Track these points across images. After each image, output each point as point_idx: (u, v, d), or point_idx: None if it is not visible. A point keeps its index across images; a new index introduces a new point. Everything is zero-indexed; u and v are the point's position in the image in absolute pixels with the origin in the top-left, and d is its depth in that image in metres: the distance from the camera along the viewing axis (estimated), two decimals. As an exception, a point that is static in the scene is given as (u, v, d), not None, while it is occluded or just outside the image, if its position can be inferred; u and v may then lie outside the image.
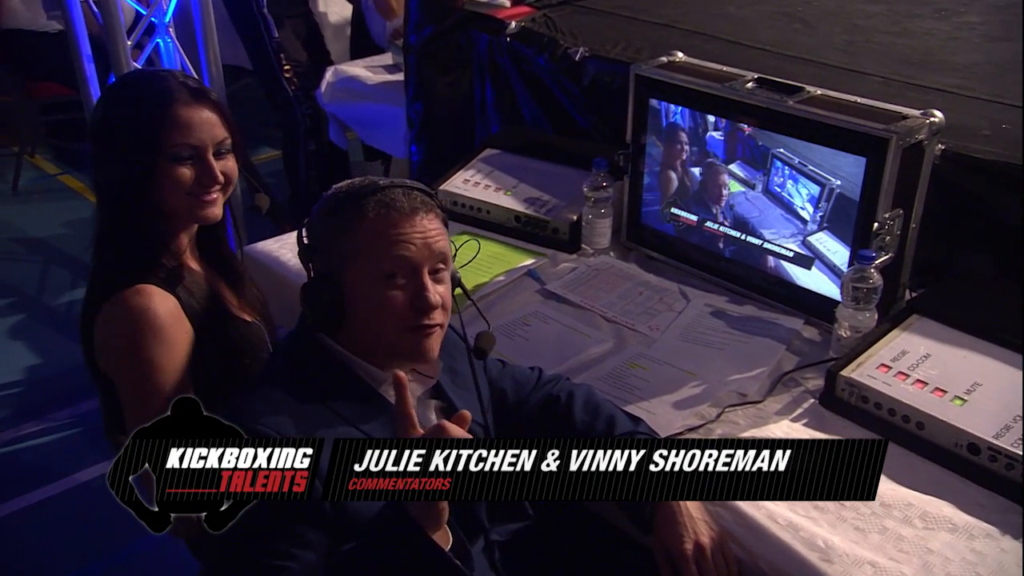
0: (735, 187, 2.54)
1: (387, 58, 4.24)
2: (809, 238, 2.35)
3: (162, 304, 1.90)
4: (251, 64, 4.56)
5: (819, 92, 2.34)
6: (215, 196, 1.93)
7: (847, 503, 1.84)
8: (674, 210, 2.63)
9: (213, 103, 1.96)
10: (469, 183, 2.89)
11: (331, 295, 1.82)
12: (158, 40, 3.30)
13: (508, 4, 3.69)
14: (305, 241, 1.83)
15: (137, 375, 1.91)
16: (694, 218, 2.60)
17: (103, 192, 2.06)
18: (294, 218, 4.36)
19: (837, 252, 2.31)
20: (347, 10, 5.07)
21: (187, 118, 1.88)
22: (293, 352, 1.86)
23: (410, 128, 3.70)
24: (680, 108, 2.55)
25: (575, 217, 2.71)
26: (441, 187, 2.97)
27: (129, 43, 3.22)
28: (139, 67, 3.34)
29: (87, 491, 3.22)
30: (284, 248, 2.80)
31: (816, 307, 2.31)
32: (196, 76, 3.51)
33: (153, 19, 3.29)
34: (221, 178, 1.91)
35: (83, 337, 2.01)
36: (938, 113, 2.22)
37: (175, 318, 1.91)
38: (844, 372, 2.02)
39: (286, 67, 4.50)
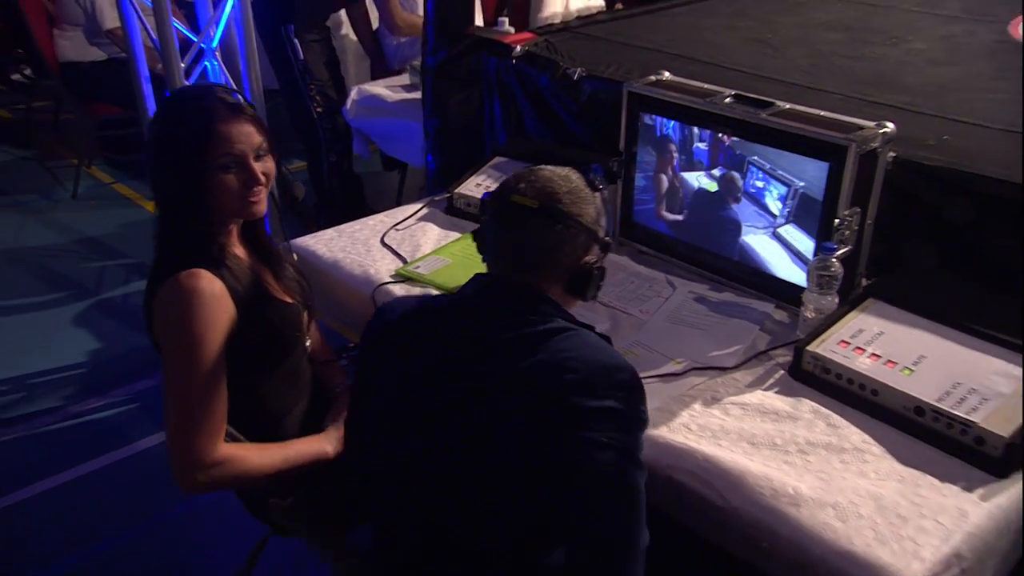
0: (713, 188, 2.56)
1: (404, 79, 4.23)
2: (778, 229, 2.39)
3: (209, 285, 1.94)
4: (278, 84, 4.58)
5: (788, 106, 2.37)
6: (260, 195, 2.00)
7: (812, 457, 1.87)
8: (664, 212, 2.64)
9: (248, 114, 2.02)
10: (481, 187, 2.93)
11: None
12: (206, 63, 3.30)
13: (513, 31, 3.69)
14: None
15: (181, 345, 1.94)
16: (680, 217, 2.63)
17: (160, 197, 2.10)
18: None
19: (802, 242, 2.36)
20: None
21: (227, 132, 1.94)
22: None
23: (427, 139, 3.71)
24: (671, 121, 2.57)
25: None
26: (456, 190, 3.00)
27: (183, 66, 3.25)
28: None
29: (144, 458, 3.26)
30: (319, 244, 2.85)
31: (785, 293, 2.35)
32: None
33: (202, 45, 3.30)
34: (262, 179, 1.98)
35: (147, 318, 2.05)
36: (890, 125, 2.28)
37: (220, 298, 1.95)
38: (809, 348, 2.07)
39: (310, 86, 4.48)
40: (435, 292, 2.60)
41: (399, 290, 2.69)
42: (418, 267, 2.69)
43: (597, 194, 1.77)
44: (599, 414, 1.54)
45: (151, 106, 3.44)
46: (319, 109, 4.56)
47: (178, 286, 1.90)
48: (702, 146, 2.48)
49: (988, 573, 1.74)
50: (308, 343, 2.33)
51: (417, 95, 3.91)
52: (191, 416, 1.92)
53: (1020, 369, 2.00)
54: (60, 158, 5.55)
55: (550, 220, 1.66)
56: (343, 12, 4.86)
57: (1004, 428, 1.77)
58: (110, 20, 4.74)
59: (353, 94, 4.26)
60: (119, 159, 5.42)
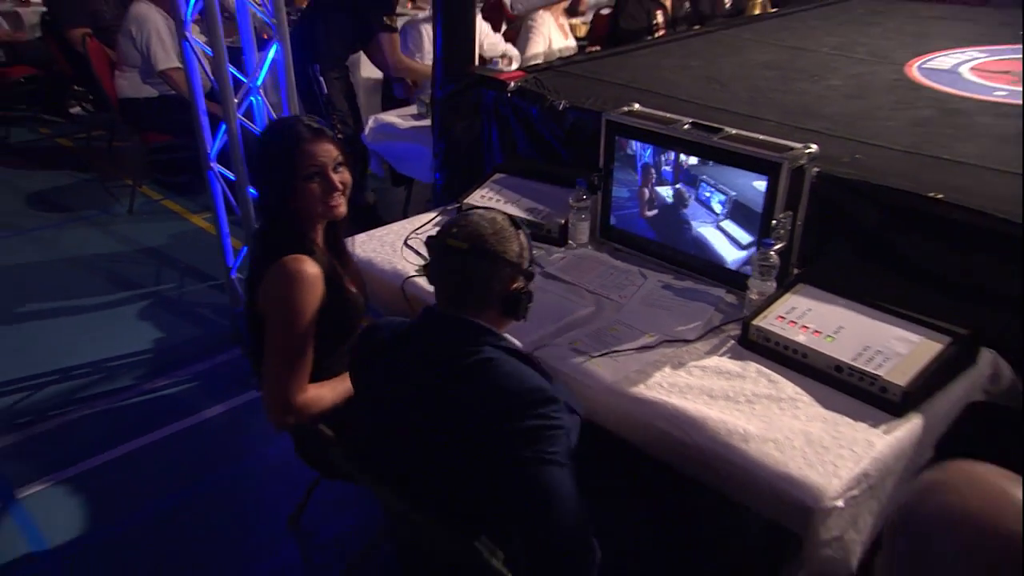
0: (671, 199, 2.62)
1: (412, 109, 4.27)
2: (721, 223, 2.49)
3: (310, 268, 2.05)
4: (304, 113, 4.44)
5: (734, 132, 2.44)
6: (339, 200, 2.11)
7: (757, 406, 1.98)
8: (643, 215, 2.69)
9: (327, 135, 2.14)
10: (485, 199, 2.97)
11: None
12: (251, 99, 3.31)
13: (507, 70, 3.69)
14: None
15: (285, 313, 2.05)
16: (651, 218, 2.67)
17: (263, 202, 2.27)
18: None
19: (736, 231, 2.46)
20: (377, 74, 5.04)
21: (311, 149, 2.06)
22: None
23: (435, 160, 3.71)
24: (649, 148, 2.60)
25: (563, 221, 2.76)
26: (465, 200, 3.02)
27: (235, 101, 3.24)
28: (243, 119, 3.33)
29: (204, 427, 3.30)
30: (353, 245, 2.85)
31: (735, 280, 2.43)
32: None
33: (249, 84, 3.28)
34: (340, 187, 2.09)
35: (249, 296, 2.18)
36: (814, 146, 2.37)
37: (316, 280, 2.05)
38: (754, 322, 2.17)
39: (333, 116, 4.47)
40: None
41: (423, 282, 2.67)
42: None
43: (519, 231, 1.77)
44: (521, 435, 1.58)
45: (207, 135, 3.43)
46: (340, 135, 4.50)
47: (286, 267, 2.02)
48: (667, 168, 2.55)
49: (888, 488, 1.85)
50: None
51: (424, 123, 3.95)
52: (287, 369, 2.04)
53: (914, 335, 2.07)
54: (115, 179, 5.47)
55: (479, 259, 1.68)
56: (359, 54, 4.80)
57: (901, 379, 1.90)
58: (162, 63, 4.73)
59: (370, 122, 4.28)
60: (166, 180, 5.37)
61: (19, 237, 4.72)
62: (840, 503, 1.68)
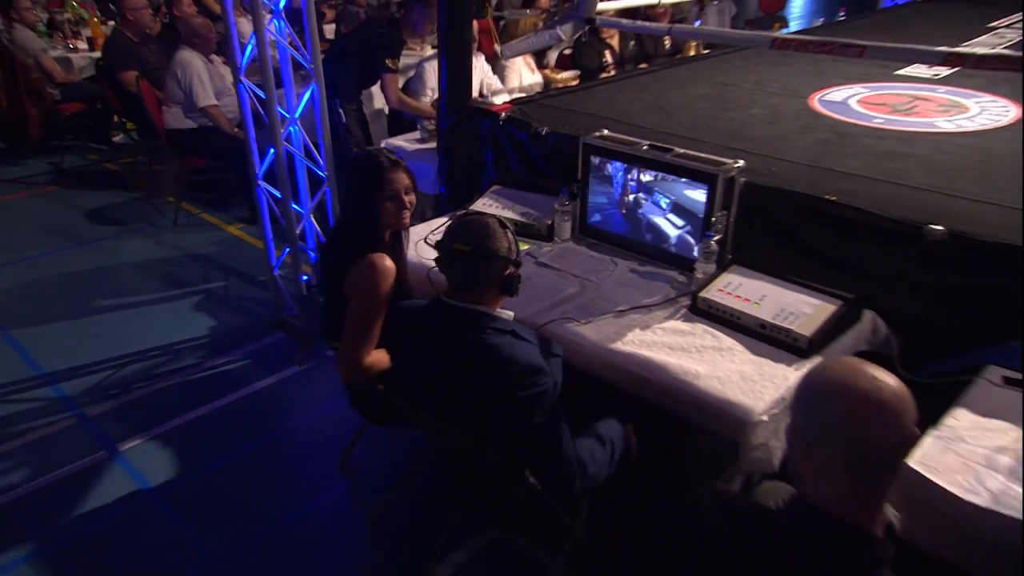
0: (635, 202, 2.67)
1: (416, 135, 4.20)
2: (667, 215, 2.56)
3: (389, 263, 2.19)
4: None
5: (681, 151, 2.54)
6: (407, 215, 2.25)
7: (704, 354, 2.10)
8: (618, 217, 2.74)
9: (402, 166, 2.26)
10: (486, 206, 3.01)
11: None
12: (291, 128, 3.34)
13: (498, 103, 3.66)
14: None
15: (368, 296, 2.18)
16: (621, 219, 2.73)
17: (351, 216, 2.35)
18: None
19: (677, 221, 2.54)
20: (382, 102, 4.88)
21: (390, 177, 2.20)
22: None
23: (439, 176, 3.64)
24: (622, 166, 2.65)
25: (550, 221, 2.80)
26: (470, 208, 3.02)
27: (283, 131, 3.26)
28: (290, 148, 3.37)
29: (258, 395, 3.34)
30: None
31: (684, 264, 2.52)
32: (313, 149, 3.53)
33: (288, 116, 3.32)
34: (409, 206, 2.23)
35: (328, 281, 2.32)
36: (741, 162, 2.48)
37: (392, 272, 2.19)
38: (700, 294, 2.29)
39: (350, 141, 4.42)
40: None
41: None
42: None
43: (506, 230, 1.84)
44: (528, 402, 1.71)
45: (256, 159, 3.45)
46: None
47: (372, 262, 2.16)
48: (632, 182, 2.63)
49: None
50: None
51: (427, 145, 3.96)
52: (363, 337, 2.17)
53: (816, 300, 2.21)
54: (158, 197, 5.41)
55: (480, 258, 1.78)
56: (371, 89, 4.76)
57: (807, 331, 2.06)
58: (202, 100, 4.70)
59: (382, 145, 4.18)
60: (203, 196, 5.37)
61: (84, 247, 4.73)
62: (765, 418, 1.85)
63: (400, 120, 4.74)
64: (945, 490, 1.58)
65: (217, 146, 4.77)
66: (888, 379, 1.11)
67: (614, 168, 2.66)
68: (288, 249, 3.61)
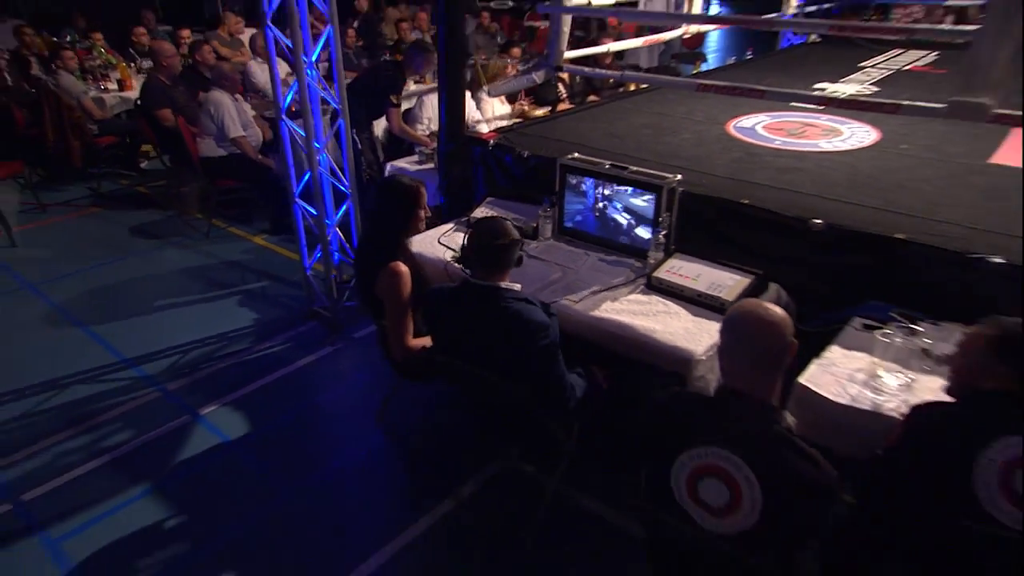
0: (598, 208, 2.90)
1: (415, 157, 4.42)
2: (623, 213, 2.80)
3: (405, 269, 2.42)
4: None
5: (635, 168, 2.79)
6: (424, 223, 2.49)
7: (659, 317, 2.39)
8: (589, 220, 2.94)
9: (422, 183, 2.46)
10: (483, 213, 3.21)
11: None
12: (321, 156, 3.53)
13: (484, 132, 3.93)
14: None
15: (395, 296, 2.42)
16: (591, 223, 2.95)
17: (385, 227, 2.51)
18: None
19: (633, 221, 2.77)
20: (378, 131, 5.03)
21: (423, 193, 2.46)
22: None
23: (439, 190, 3.84)
24: (591, 180, 2.87)
25: (535, 224, 3.04)
26: (471, 215, 3.22)
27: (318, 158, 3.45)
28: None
29: (301, 371, 3.50)
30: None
31: (641, 254, 2.76)
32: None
33: (318, 146, 3.52)
34: (429, 214, 2.49)
35: (366, 281, 2.51)
36: (679, 176, 2.73)
37: (408, 276, 2.44)
38: (654, 275, 2.59)
39: (363, 164, 4.59)
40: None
41: (458, 266, 2.55)
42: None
43: (513, 226, 2.15)
44: (541, 352, 2.05)
45: (294, 181, 3.68)
46: (366, 177, 4.64)
47: (392, 270, 2.40)
48: (598, 193, 2.86)
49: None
50: None
51: (425, 166, 4.21)
52: (402, 326, 2.46)
53: (736, 276, 2.52)
54: (188, 214, 5.48)
55: (509, 247, 2.11)
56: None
57: (730, 297, 2.42)
58: (232, 132, 4.86)
59: (388, 167, 4.46)
60: (228, 213, 5.41)
61: (132, 258, 4.85)
62: (703, 358, 2.23)
63: (398, 144, 4.97)
64: (823, 397, 2.06)
65: (245, 170, 5.00)
66: (776, 309, 1.58)
67: (586, 183, 2.93)
68: (320, 254, 3.88)
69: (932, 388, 2.01)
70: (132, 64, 6.85)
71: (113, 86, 6.35)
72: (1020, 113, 2.43)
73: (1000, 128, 3.36)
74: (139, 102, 5.47)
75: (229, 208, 5.50)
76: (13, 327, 3.96)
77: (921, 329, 2.22)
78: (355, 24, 8.42)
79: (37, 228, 5.37)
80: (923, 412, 1.64)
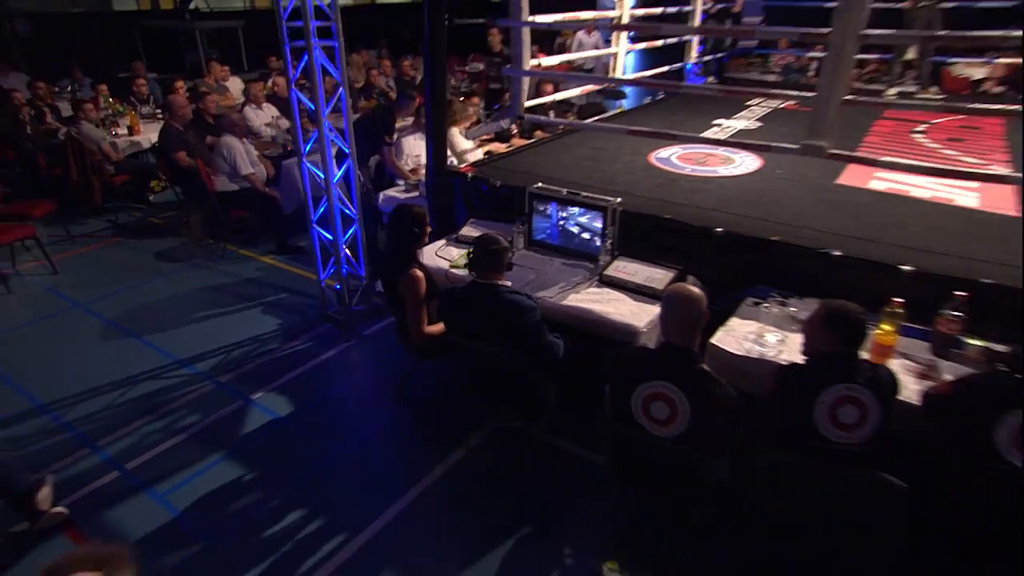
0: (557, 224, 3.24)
1: (402, 187, 4.68)
2: (573, 227, 3.12)
3: (420, 273, 2.77)
4: None
5: (585, 194, 3.13)
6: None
7: (612, 303, 2.82)
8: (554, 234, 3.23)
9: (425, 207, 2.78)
10: (469, 231, 3.50)
11: None
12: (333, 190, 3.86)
13: (463, 166, 4.12)
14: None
15: (413, 296, 2.75)
16: (554, 236, 3.26)
17: (400, 241, 2.83)
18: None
19: (586, 234, 3.08)
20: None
21: (428, 218, 2.84)
22: None
23: (428, 214, 3.81)
24: (553, 203, 3.15)
25: (510, 239, 3.21)
26: (460, 233, 3.52)
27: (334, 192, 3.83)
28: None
29: (326, 362, 3.78)
30: None
31: (594, 258, 3.10)
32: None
33: (332, 181, 3.87)
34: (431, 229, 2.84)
35: (390, 284, 2.86)
36: (619, 199, 3.09)
37: (423, 280, 2.79)
38: (604, 273, 2.98)
39: (365, 194, 4.66)
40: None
41: (455, 271, 3.24)
42: (460, 263, 3.27)
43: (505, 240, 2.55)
44: (532, 327, 2.47)
45: (311, 210, 3.99)
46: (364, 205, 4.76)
47: (412, 274, 2.76)
48: (559, 213, 3.17)
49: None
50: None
51: (411, 194, 4.45)
52: (420, 318, 2.81)
53: (664, 272, 2.95)
54: (202, 240, 5.61)
55: (504, 252, 2.53)
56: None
57: (661, 287, 2.85)
58: (244, 170, 5.13)
59: (380, 197, 4.71)
60: (236, 238, 5.56)
61: (162, 279, 5.01)
62: (645, 330, 2.71)
63: (381, 176, 5.17)
64: (727, 351, 2.63)
65: (254, 201, 5.34)
66: (696, 289, 2.17)
67: (549, 206, 3.31)
68: (333, 268, 4.27)
69: (797, 342, 2.60)
70: (135, 110, 7.01)
71: (123, 131, 6.53)
72: (847, 152, 3.09)
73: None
74: (156, 145, 5.75)
75: (236, 233, 5.65)
76: (77, 338, 4.20)
77: (791, 303, 2.82)
78: None
79: (70, 257, 5.47)
80: (787, 370, 2.16)
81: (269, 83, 7.37)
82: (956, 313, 2.39)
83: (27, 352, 4.00)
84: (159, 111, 7.08)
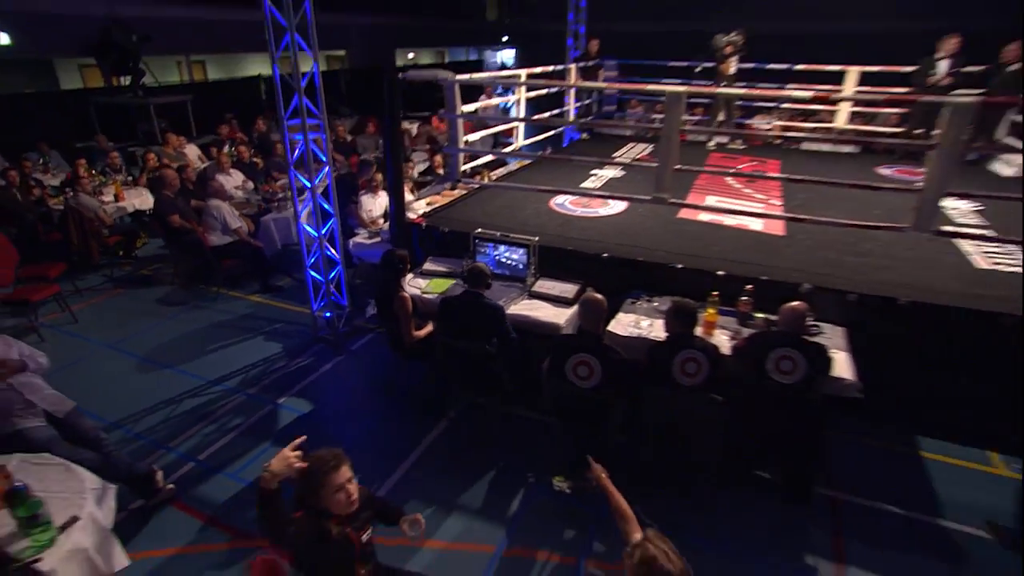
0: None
1: (365, 234, 5.04)
2: (511, 262, 3.75)
3: (408, 296, 3.31)
4: None
5: (513, 235, 3.65)
6: None
7: (540, 309, 3.60)
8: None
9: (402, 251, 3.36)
10: (432, 267, 3.92)
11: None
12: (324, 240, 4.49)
13: (416, 217, 4.38)
14: None
15: (405, 312, 3.27)
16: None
17: (391, 274, 3.32)
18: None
19: (516, 264, 3.62)
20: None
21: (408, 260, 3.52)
22: None
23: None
24: (491, 243, 3.64)
25: (461, 269, 3.71)
26: (423, 267, 3.87)
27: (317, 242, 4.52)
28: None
29: (326, 373, 4.17)
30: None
31: (523, 279, 3.59)
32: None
33: (321, 235, 4.39)
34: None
35: (385, 304, 3.34)
36: (536, 238, 3.68)
37: (409, 299, 3.33)
38: (532, 289, 3.56)
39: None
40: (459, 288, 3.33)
41: (426, 296, 3.72)
42: (427, 290, 3.70)
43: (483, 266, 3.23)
44: (503, 321, 3.04)
45: (306, 256, 4.50)
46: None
47: (403, 296, 3.31)
48: (496, 250, 3.66)
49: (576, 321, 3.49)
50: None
51: (373, 240, 4.87)
52: (409, 326, 3.34)
53: (572, 285, 3.63)
54: (188, 286, 5.73)
55: (485, 275, 3.13)
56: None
57: (571, 296, 3.61)
58: (233, 225, 5.47)
59: (350, 243, 5.01)
60: (232, 283, 5.77)
61: (169, 320, 5.18)
62: (564, 325, 3.37)
63: (346, 227, 5.61)
64: (618, 334, 3.46)
65: (243, 252, 5.74)
66: (599, 295, 3.06)
67: (488, 245, 3.83)
68: (324, 301, 4.80)
69: (659, 326, 3.52)
70: (115, 180, 7.11)
71: (109, 198, 6.65)
72: (680, 201, 4.16)
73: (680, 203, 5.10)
74: (150, 212, 6.10)
75: (227, 279, 5.85)
76: (118, 372, 4.44)
77: (654, 301, 3.73)
78: (252, 140, 8.66)
79: (84, 308, 5.53)
80: (655, 346, 3.00)
81: (230, 149, 7.59)
82: (747, 298, 3.44)
83: (82, 385, 4.16)
84: (129, 177, 7.23)
